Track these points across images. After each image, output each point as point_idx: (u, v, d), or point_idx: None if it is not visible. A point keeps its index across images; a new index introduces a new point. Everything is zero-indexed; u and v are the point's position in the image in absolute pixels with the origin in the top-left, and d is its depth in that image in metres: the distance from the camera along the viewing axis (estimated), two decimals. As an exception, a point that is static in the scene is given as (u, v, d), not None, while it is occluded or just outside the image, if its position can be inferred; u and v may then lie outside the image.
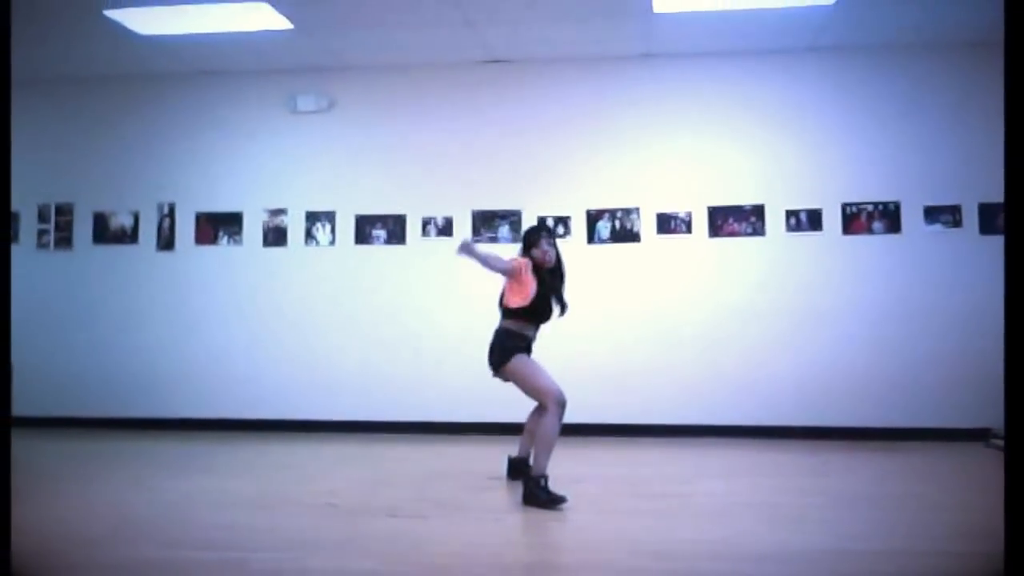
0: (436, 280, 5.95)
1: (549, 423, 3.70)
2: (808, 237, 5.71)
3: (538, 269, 3.85)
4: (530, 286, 3.79)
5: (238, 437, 5.75)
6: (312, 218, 6.16)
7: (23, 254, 6.26)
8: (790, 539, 3.07)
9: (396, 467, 4.68)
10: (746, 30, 5.44)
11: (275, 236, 6.20)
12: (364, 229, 6.11)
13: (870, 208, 5.67)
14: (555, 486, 3.63)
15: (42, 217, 6.39)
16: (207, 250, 6.26)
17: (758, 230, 5.77)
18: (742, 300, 5.71)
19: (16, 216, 6.31)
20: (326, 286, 6.11)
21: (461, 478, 4.29)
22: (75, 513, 3.54)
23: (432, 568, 2.73)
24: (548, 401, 3.71)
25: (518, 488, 3.77)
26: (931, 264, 5.58)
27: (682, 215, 5.85)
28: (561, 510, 3.52)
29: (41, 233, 6.38)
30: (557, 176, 5.95)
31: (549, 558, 3.01)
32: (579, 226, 5.90)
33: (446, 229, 6.00)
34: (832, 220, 5.70)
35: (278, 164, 6.22)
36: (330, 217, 6.14)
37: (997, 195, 5.39)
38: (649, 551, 2.90)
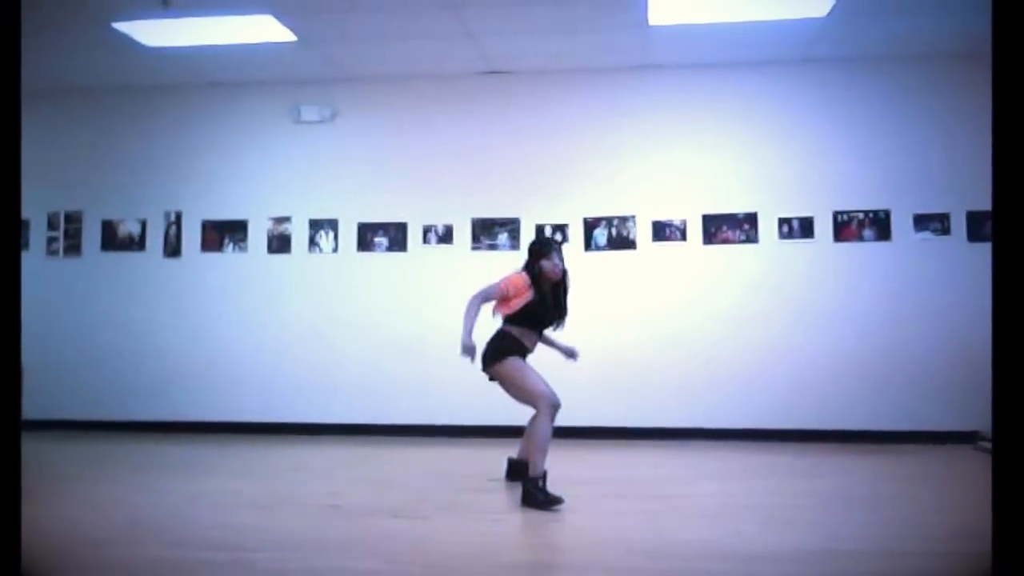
0: (436, 286, 6.02)
1: (541, 426, 3.74)
2: (800, 244, 5.80)
3: (537, 281, 3.91)
4: (522, 299, 3.86)
5: (244, 440, 5.81)
6: (315, 226, 6.24)
7: (33, 261, 6.34)
8: (783, 539, 3.11)
9: (398, 469, 4.74)
10: (740, 42, 5.51)
11: (279, 243, 6.28)
12: (366, 237, 6.19)
13: (861, 216, 5.75)
14: (552, 487, 3.69)
15: (52, 225, 6.47)
16: (213, 257, 6.33)
17: (751, 237, 5.85)
18: (736, 306, 5.79)
19: (26, 224, 6.39)
20: (329, 292, 6.19)
21: (461, 480, 4.35)
22: (84, 514, 3.59)
23: (434, 567, 2.80)
24: (539, 404, 3.76)
25: (517, 489, 3.82)
26: (920, 271, 5.65)
27: (677, 223, 5.93)
28: (558, 511, 3.57)
29: (51, 240, 6.47)
30: (555, 185, 6.02)
31: (547, 558, 3.07)
32: (576, 233, 5.98)
33: (446, 237, 6.09)
34: (824, 228, 5.77)
35: (282, 173, 6.30)
36: (333, 225, 6.23)
37: (985, 203, 5.46)
38: (645, 551, 2.96)
